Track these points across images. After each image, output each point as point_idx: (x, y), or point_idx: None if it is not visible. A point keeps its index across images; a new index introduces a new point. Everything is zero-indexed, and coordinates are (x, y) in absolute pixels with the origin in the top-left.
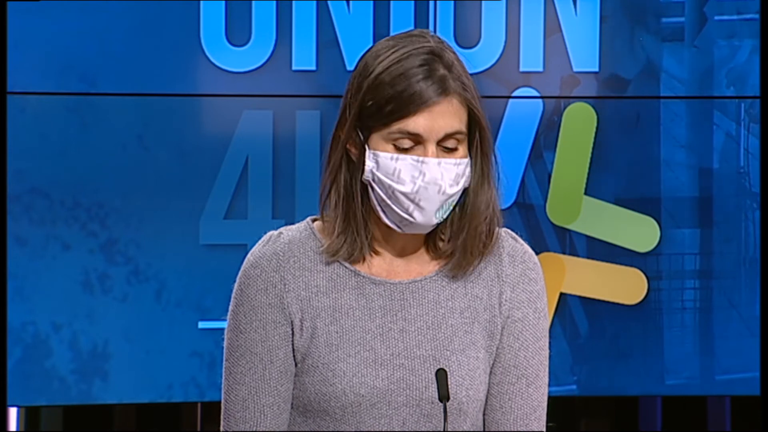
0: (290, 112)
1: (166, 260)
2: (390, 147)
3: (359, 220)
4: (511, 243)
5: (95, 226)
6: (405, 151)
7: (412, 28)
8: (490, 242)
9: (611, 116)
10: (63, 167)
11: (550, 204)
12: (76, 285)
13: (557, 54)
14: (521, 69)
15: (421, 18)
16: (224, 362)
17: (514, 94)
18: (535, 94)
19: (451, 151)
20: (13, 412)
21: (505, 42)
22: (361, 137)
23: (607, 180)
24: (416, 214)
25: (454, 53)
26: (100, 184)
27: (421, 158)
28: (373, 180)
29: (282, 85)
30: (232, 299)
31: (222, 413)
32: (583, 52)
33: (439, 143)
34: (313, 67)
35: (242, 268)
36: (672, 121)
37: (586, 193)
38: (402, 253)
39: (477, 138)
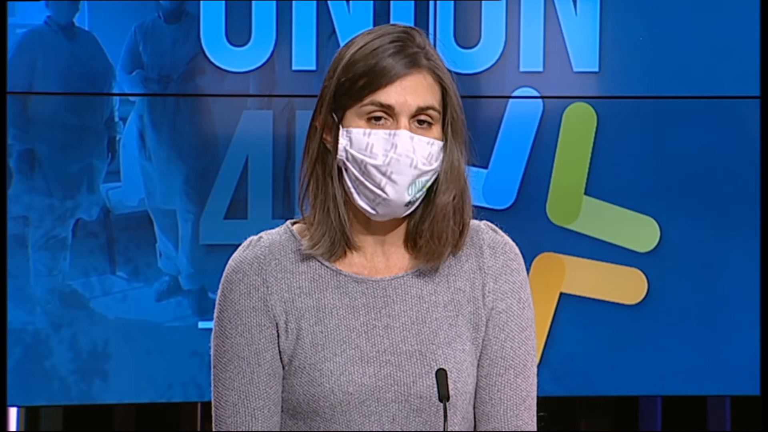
0: (290, 112)
1: (166, 260)
2: (363, 122)
3: (338, 208)
4: (491, 235)
5: (96, 226)
6: (378, 126)
7: None
8: (459, 229)
9: (611, 116)
10: (65, 167)
11: (550, 204)
12: (77, 285)
13: (557, 54)
14: (521, 69)
15: (421, 18)
16: (212, 369)
17: (514, 94)
18: (535, 94)
19: (425, 129)
20: (13, 412)
21: (505, 42)
22: (336, 119)
23: (607, 180)
24: (388, 189)
25: (427, 40)
26: (100, 184)
27: (393, 131)
28: (347, 159)
29: (282, 85)
30: (216, 305)
31: (213, 419)
32: (583, 52)
33: (412, 119)
34: (313, 67)
35: (224, 274)
36: (672, 120)
37: (586, 193)
38: (381, 245)
39: (449, 120)
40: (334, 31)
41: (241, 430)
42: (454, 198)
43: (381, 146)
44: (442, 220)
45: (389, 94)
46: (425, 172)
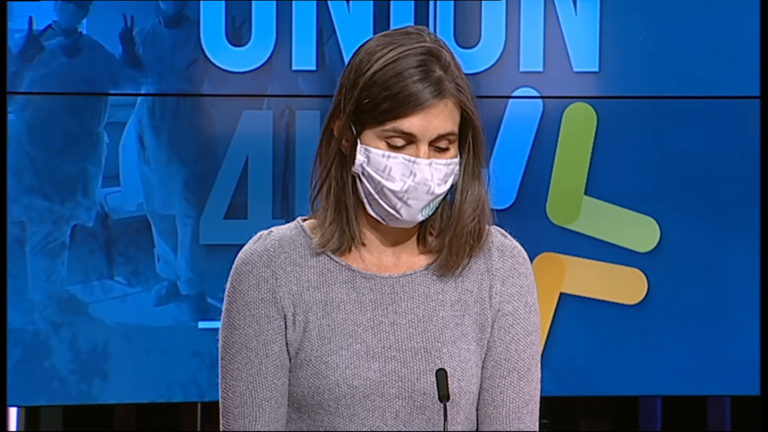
0: (290, 112)
1: (164, 265)
2: (382, 144)
3: (350, 210)
4: (500, 238)
5: (94, 231)
6: (397, 149)
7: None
8: (477, 243)
9: (611, 116)
10: (63, 167)
11: (550, 204)
12: (76, 285)
13: (557, 54)
14: (521, 69)
15: (421, 18)
16: (220, 360)
17: (514, 94)
18: (535, 94)
19: (442, 151)
20: (13, 412)
21: (505, 42)
22: (354, 132)
23: (607, 180)
24: (403, 211)
25: (450, 53)
26: (98, 188)
27: (412, 158)
28: (363, 174)
29: (282, 85)
30: (225, 298)
31: (221, 411)
32: (583, 52)
33: (431, 143)
34: (313, 67)
35: (234, 266)
36: (672, 120)
37: (586, 193)
38: (392, 244)
39: (469, 139)
40: (334, 31)
41: (248, 420)
42: (474, 219)
43: (399, 171)
44: (461, 236)
45: (412, 123)
46: (440, 195)
